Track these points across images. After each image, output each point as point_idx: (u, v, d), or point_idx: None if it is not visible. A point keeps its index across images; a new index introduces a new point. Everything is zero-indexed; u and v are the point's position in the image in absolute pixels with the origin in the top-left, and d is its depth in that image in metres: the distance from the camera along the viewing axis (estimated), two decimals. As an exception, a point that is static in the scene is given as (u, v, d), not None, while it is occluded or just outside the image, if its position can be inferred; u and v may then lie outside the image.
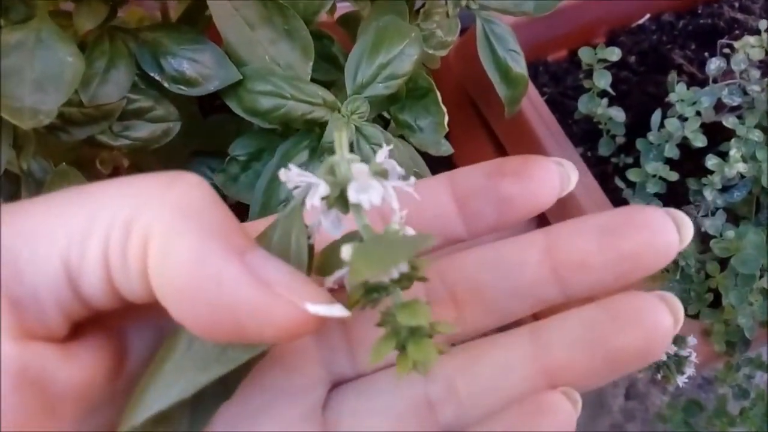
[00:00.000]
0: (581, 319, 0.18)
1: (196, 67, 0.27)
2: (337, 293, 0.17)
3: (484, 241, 0.20)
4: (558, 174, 0.19)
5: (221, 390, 0.17)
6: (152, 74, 0.27)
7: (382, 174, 0.16)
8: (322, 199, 0.16)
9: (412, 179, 0.17)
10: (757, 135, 0.40)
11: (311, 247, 0.17)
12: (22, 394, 0.14)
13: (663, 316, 0.18)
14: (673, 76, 0.44)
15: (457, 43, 0.38)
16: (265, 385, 0.18)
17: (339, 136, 0.16)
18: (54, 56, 0.23)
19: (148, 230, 0.15)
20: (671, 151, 0.42)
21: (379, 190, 0.16)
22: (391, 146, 0.18)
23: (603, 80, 0.46)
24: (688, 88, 0.43)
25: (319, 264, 0.17)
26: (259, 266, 0.15)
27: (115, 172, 0.38)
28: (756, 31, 0.45)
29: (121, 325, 0.17)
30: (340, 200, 0.16)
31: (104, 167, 0.37)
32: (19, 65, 0.23)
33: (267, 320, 0.15)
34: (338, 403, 0.19)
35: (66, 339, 0.16)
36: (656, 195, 0.43)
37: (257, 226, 0.18)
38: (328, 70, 0.35)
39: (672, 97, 0.43)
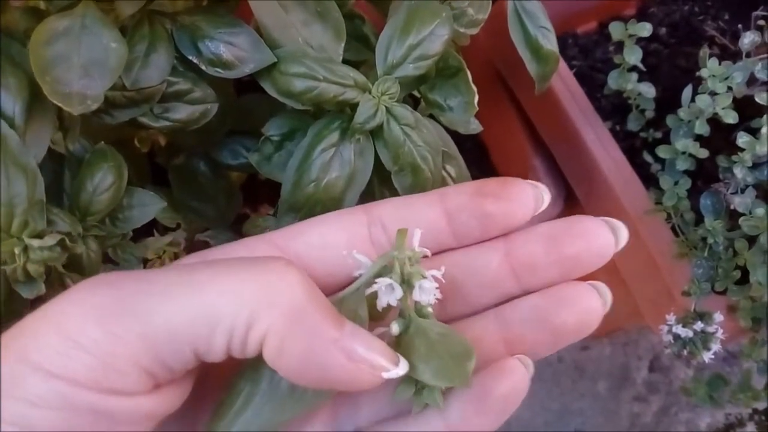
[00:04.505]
0: (531, 304, 0.23)
1: (232, 50, 0.28)
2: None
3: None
4: (533, 195, 0.23)
5: None
6: (190, 57, 0.28)
7: (416, 258, 0.22)
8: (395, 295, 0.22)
9: (435, 273, 0.22)
10: (789, 111, 0.39)
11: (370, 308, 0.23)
12: (152, 422, 0.20)
13: (593, 300, 0.23)
14: (705, 51, 0.43)
15: (487, 15, 0.38)
16: None
17: (401, 235, 0.22)
18: (99, 42, 0.24)
19: (266, 331, 0.19)
20: (702, 128, 0.42)
21: (432, 293, 0.22)
22: (419, 232, 0.23)
23: (633, 56, 0.46)
24: (720, 61, 0.43)
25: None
26: (348, 345, 0.20)
27: (152, 149, 0.39)
28: (793, 3, 0.45)
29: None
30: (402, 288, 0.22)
31: (142, 145, 0.39)
32: (67, 51, 0.24)
33: (356, 385, 0.20)
34: None
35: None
36: (685, 172, 0.43)
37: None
38: (359, 49, 0.36)
39: (703, 73, 0.42)
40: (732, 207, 0.40)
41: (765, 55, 0.43)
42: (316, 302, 0.20)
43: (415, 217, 0.23)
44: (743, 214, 0.39)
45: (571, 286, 0.23)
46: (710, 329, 0.38)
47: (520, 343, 0.23)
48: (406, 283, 0.22)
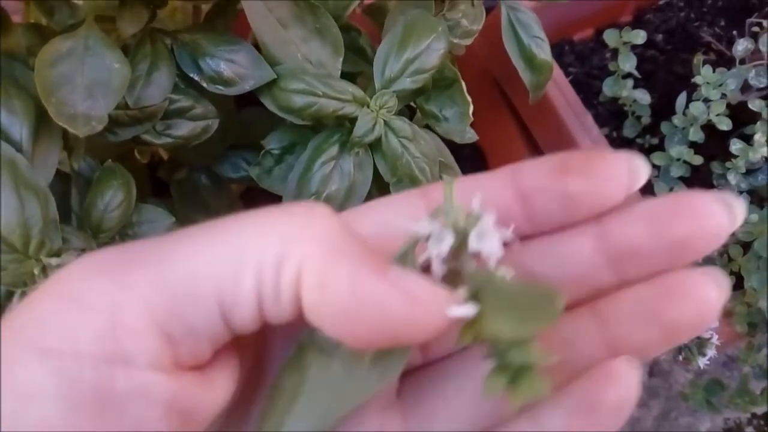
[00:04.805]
0: (635, 296, 0.20)
1: (232, 67, 0.29)
2: None
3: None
4: (626, 170, 0.19)
5: None
6: (192, 75, 0.29)
7: (475, 215, 0.18)
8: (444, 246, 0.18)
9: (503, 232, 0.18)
10: (783, 118, 0.40)
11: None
12: (170, 422, 0.16)
13: (710, 289, 0.19)
14: (698, 58, 0.44)
15: (481, 25, 0.39)
16: None
17: (449, 186, 0.18)
18: (102, 63, 0.25)
19: (300, 264, 0.16)
20: (696, 135, 0.43)
21: (495, 240, 0.18)
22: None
23: (628, 63, 0.46)
24: (715, 68, 0.43)
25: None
26: (401, 281, 0.17)
27: (154, 163, 0.40)
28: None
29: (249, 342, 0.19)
30: (461, 246, 0.18)
31: (142, 156, 0.39)
32: (71, 73, 0.24)
33: (419, 327, 0.17)
34: (413, 388, 0.21)
35: (207, 362, 0.17)
36: (680, 178, 0.44)
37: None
38: (356, 62, 0.36)
39: (697, 80, 0.43)
40: (726, 213, 0.41)
41: (758, 62, 0.43)
42: (353, 235, 0.17)
43: (482, 199, 0.19)
44: (738, 221, 0.40)
45: (682, 274, 0.19)
46: (705, 335, 0.38)
47: (625, 343, 0.19)
48: (461, 234, 0.18)
